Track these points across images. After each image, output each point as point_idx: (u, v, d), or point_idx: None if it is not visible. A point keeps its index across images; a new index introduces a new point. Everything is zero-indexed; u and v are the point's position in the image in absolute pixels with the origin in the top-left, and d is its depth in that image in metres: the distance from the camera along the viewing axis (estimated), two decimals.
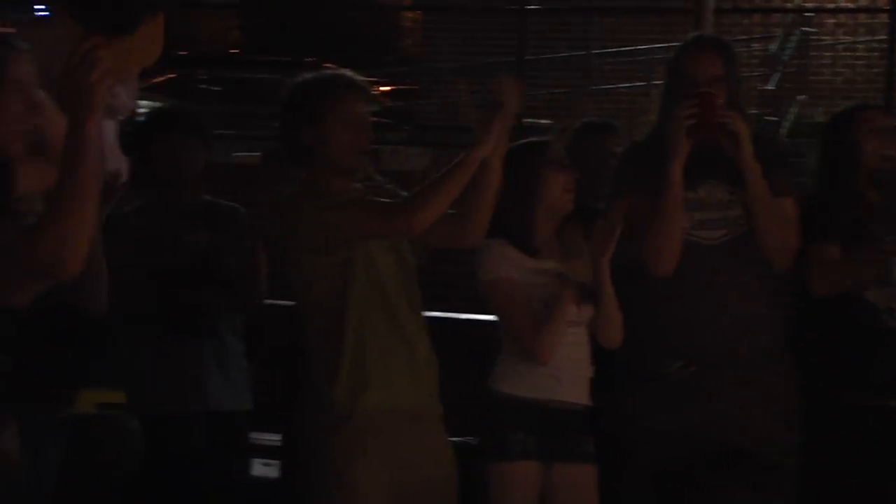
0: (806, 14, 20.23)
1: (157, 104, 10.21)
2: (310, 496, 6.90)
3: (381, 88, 21.04)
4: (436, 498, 6.92)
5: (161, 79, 22.55)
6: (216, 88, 23.36)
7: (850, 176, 7.67)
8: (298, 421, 7.08)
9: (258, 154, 13.76)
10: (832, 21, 20.90)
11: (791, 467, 7.38)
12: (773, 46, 19.13)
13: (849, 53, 20.68)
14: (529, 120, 18.05)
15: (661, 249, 7.15)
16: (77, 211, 4.75)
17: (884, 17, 19.54)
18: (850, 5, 20.84)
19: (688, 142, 7.07)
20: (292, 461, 7.34)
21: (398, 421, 6.72)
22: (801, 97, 17.78)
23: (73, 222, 4.75)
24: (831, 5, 20.96)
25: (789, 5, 20.89)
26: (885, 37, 19.60)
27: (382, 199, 6.75)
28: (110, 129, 8.89)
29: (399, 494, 6.74)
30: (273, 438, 8.14)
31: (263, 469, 8.20)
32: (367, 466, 6.69)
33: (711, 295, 7.34)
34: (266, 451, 8.21)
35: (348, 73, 6.92)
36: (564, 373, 7.23)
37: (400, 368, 6.76)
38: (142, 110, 9.41)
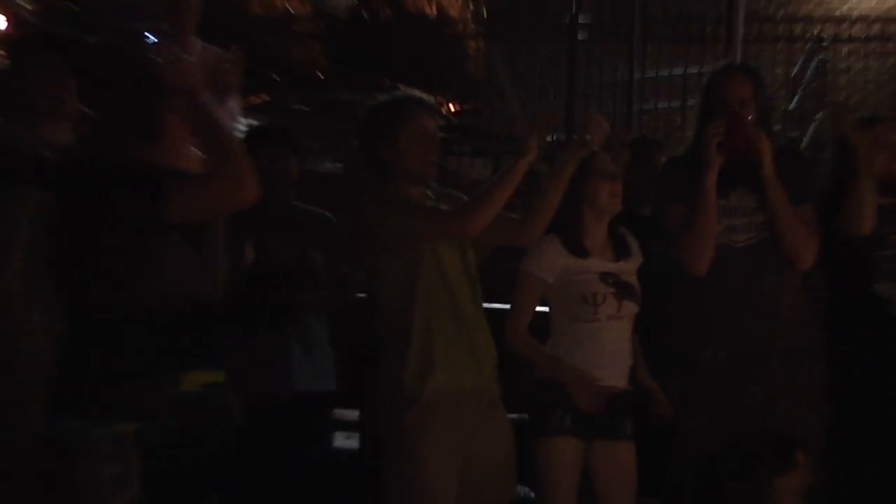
0: (823, 43, 20.21)
1: (254, 122, 10.26)
2: (385, 468, 6.86)
3: (450, 107, 21.06)
4: (497, 470, 6.95)
5: (258, 100, 22.60)
6: (306, 108, 23.41)
7: (844, 169, 7.64)
8: (374, 401, 7.11)
9: (341, 165, 13.82)
10: (846, 49, 20.82)
11: (819, 451, 7.22)
12: (795, 71, 19.08)
13: (860, 77, 20.58)
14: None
15: (696, 250, 7.13)
16: None
17: (891, 46, 19.62)
18: (862, 35, 20.75)
19: (719, 156, 7.04)
20: (370, 435, 7.40)
21: (461, 401, 6.79)
22: (819, 115, 17.74)
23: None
24: (845, 36, 20.88)
25: (808, 35, 20.78)
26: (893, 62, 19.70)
27: (444, 206, 6.93)
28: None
29: (464, 468, 6.76)
30: (354, 414, 8.18)
31: (345, 441, 8.26)
32: (434, 441, 6.71)
33: (740, 292, 7.26)
34: (348, 426, 8.25)
35: (418, 93, 6.99)
36: (605, 359, 7.28)
37: (461, 355, 6.83)
38: (241, 127, 9.45)
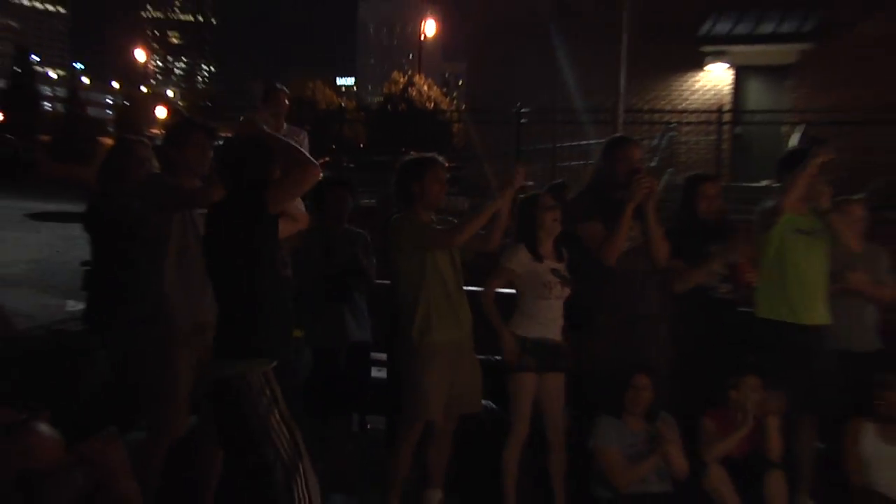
0: (671, 126, 20.22)
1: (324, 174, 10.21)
2: (402, 392, 7.02)
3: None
4: (471, 390, 7.20)
5: (323, 161, 22.92)
6: (352, 165, 23.70)
7: (692, 219, 7.78)
8: (395, 349, 7.36)
9: (375, 200, 13.73)
10: (686, 129, 20.78)
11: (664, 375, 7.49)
12: (654, 141, 19.08)
13: (694, 147, 20.53)
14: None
15: (614, 251, 7.30)
16: None
17: (712, 128, 19.71)
18: (694, 121, 20.75)
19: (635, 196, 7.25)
20: (393, 371, 7.50)
21: (448, 348, 7.00)
22: (670, 170, 17.73)
23: None
24: (685, 121, 20.88)
25: (662, 121, 20.81)
26: (714, 136, 19.67)
27: (441, 227, 7.09)
28: None
29: (449, 389, 6.98)
30: (383, 356, 8.21)
31: (378, 373, 8.34)
32: (431, 375, 6.91)
33: (630, 275, 7.43)
34: (380, 364, 8.35)
35: (435, 154, 7.15)
36: (552, 322, 7.39)
37: (448, 320, 7.03)
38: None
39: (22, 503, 6.08)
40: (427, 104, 35.03)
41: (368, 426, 8.84)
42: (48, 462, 6.38)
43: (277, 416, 5.41)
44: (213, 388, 5.45)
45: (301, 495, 5.31)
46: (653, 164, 17.95)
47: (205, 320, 6.16)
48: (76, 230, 8.23)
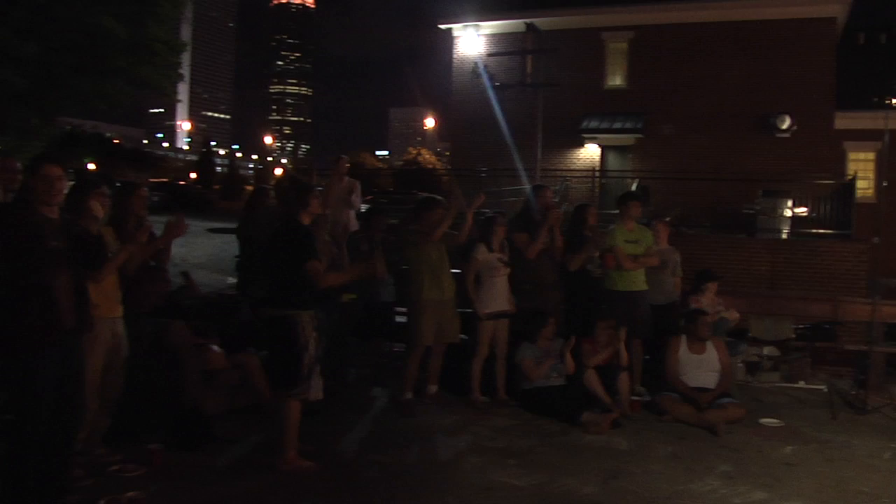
0: (566, 178, 19.99)
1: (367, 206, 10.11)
2: (408, 329, 6.95)
3: None
4: (452, 326, 6.99)
5: (368, 198, 22.42)
6: (384, 200, 23.06)
7: (579, 229, 7.72)
8: (406, 303, 7.15)
9: (398, 220, 13.58)
10: (574, 179, 20.55)
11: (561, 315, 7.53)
12: (557, 186, 18.89)
13: (578, 190, 20.32)
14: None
15: (534, 250, 7.25)
16: None
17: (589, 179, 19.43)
18: (579, 175, 20.54)
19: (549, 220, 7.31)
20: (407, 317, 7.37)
21: (437, 303, 6.82)
22: (565, 203, 17.51)
23: None
24: (573, 175, 20.62)
25: (563, 178, 20.58)
26: (589, 184, 19.47)
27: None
28: (351, 215, 8.79)
29: (437, 329, 6.86)
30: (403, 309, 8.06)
31: (401, 319, 8.16)
32: (426, 321, 6.82)
33: (540, 262, 7.41)
34: (401, 313, 8.17)
35: (440, 197, 7.07)
36: (501, 293, 7.16)
37: (437, 287, 6.83)
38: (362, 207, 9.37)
39: (203, 389, 6.06)
40: (428, 166, 34.75)
41: (395, 348, 8.66)
42: (217, 366, 6.36)
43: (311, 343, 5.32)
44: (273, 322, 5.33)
45: (308, 387, 5.27)
46: (556, 199, 17.86)
47: None
48: (232, 238, 8.22)
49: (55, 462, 4.27)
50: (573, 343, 7.10)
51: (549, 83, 17.95)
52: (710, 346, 7.19)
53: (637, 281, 7.57)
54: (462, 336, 7.28)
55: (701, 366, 7.10)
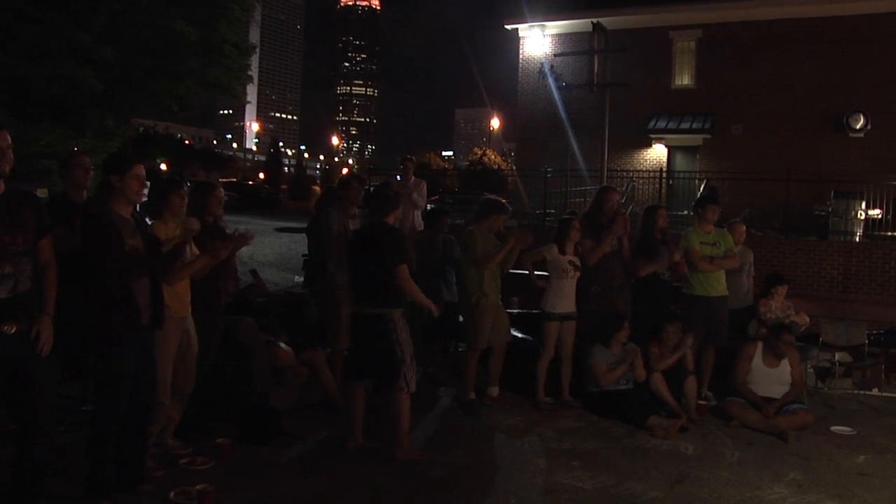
0: (632, 178, 19.73)
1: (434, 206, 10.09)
2: (468, 330, 6.94)
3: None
4: (503, 325, 7.00)
5: (435, 198, 22.38)
6: (451, 201, 23.08)
7: (651, 232, 7.51)
8: (464, 304, 7.06)
9: (462, 222, 13.56)
10: (641, 180, 20.25)
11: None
12: (623, 188, 18.63)
13: (645, 191, 20.03)
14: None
15: (596, 258, 7.13)
16: None
17: (656, 179, 19.21)
18: (646, 176, 20.26)
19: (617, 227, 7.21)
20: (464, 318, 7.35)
21: (492, 305, 6.80)
22: (631, 205, 17.30)
23: None
24: (640, 176, 20.35)
25: (628, 177, 20.31)
26: (656, 185, 19.19)
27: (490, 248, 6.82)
28: (417, 214, 8.81)
29: (492, 325, 6.82)
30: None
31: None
32: (485, 322, 6.80)
33: (606, 265, 7.22)
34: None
35: (502, 200, 7.14)
36: (568, 294, 7.09)
37: (493, 290, 6.81)
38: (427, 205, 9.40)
39: (271, 385, 6.14)
40: (493, 166, 34.66)
41: (460, 349, 8.63)
42: (285, 362, 6.44)
43: (402, 339, 5.44)
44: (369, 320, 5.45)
45: (409, 380, 5.38)
46: (622, 199, 17.68)
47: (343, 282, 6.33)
48: (301, 237, 8.32)
49: (131, 452, 4.45)
50: (638, 353, 7.01)
51: (617, 83, 17.77)
52: (785, 360, 7.04)
53: (717, 286, 7.41)
54: (525, 336, 7.25)
55: (772, 379, 6.98)
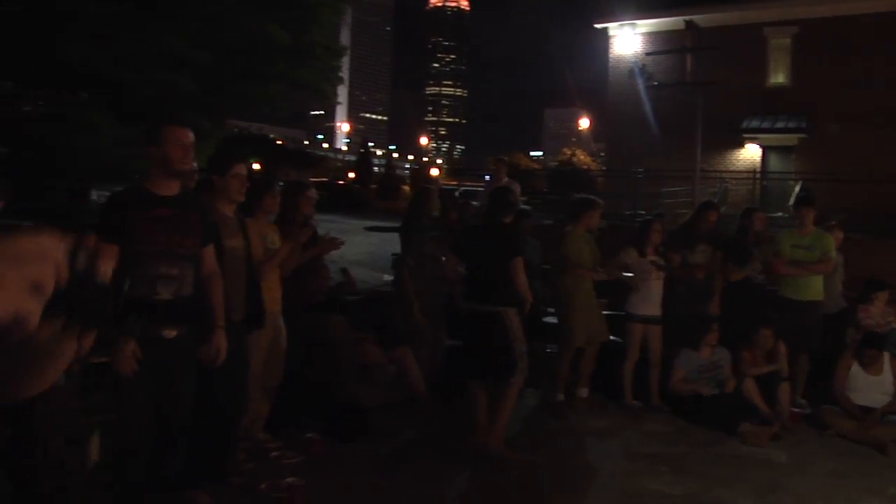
0: (725, 179, 19.31)
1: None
2: (561, 331, 6.95)
3: None
4: (601, 328, 7.00)
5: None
6: (538, 201, 22.97)
7: (745, 234, 7.35)
8: (557, 304, 7.12)
9: (552, 221, 13.42)
10: (734, 181, 19.83)
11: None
12: (715, 188, 18.26)
13: (738, 192, 19.57)
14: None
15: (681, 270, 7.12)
16: None
17: (750, 180, 18.72)
18: (739, 177, 19.81)
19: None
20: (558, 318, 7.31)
21: (586, 305, 6.86)
22: (723, 207, 16.93)
23: None
24: (733, 177, 19.90)
25: (720, 176, 19.86)
26: (749, 186, 18.74)
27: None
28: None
29: (587, 329, 6.87)
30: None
31: (549, 319, 8.03)
32: (577, 321, 6.83)
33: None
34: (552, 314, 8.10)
35: (596, 198, 7.12)
36: (653, 295, 6.96)
37: (587, 291, 6.82)
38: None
39: (360, 381, 6.23)
40: (583, 167, 34.35)
41: (548, 349, 8.56)
42: (374, 360, 6.51)
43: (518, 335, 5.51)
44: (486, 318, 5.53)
45: (522, 375, 5.49)
46: (714, 201, 17.33)
47: None
48: (391, 236, 8.42)
49: (222, 443, 4.56)
50: (728, 357, 6.88)
51: (710, 82, 17.41)
52: (887, 367, 6.74)
53: (808, 290, 7.18)
54: (615, 339, 7.17)
55: (873, 388, 6.68)
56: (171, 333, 3.70)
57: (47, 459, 3.97)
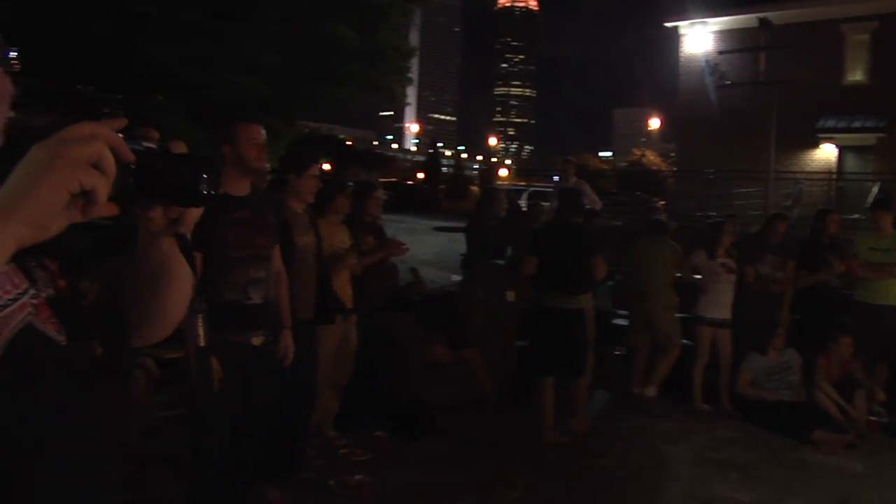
0: (799, 180, 18.87)
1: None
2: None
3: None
4: (671, 324, 6.96)
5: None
6: (607, 202, 22.84)
7: (819, 237, 7.13)
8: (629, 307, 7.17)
9: (621, 222, 13.25)
10: (809, 182, 19.39)
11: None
12: (790, 190, 17.84)
13: (813, 193, 19.11)
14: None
15: (751, 276, 6.93)
16: None
17: (825, 181, 18.28)
18: (814, 178, 19.34)
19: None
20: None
21: (659, 308, 6.87)
22: (797, 210, 16.57)
23: None
24: (808, 178, 19.43)
25: (795, 177, 19.42)
26: (825, 187, 18.27)
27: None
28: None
29: (655, 330, 6.94)
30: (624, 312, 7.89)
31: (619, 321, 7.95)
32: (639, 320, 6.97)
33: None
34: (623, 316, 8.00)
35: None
36: (722, 298, 6.79)
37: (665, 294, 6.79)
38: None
39: (428, 382, 6.27)
40: (652, 167, 33.97)
41: (617, 352, 8.44)
42: (442, 360, 6.54)
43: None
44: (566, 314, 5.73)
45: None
46: (788, 203, 16.98)
47: None
48: (459, 236, 8.43)
49: (293, 439, 4.62)
50: (800, 360, 6.71)
51: (785, 80, 17.02)
52: None
53: (886, 294, 6.84)
54: (685, 342, 7.07)
55: None
56: (258, 341, 3.58)
57: (125, 448, 4.11)
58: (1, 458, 0.96)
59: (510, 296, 6.88)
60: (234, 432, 3.57)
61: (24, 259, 1.06)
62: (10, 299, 1.01)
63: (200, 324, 3.15)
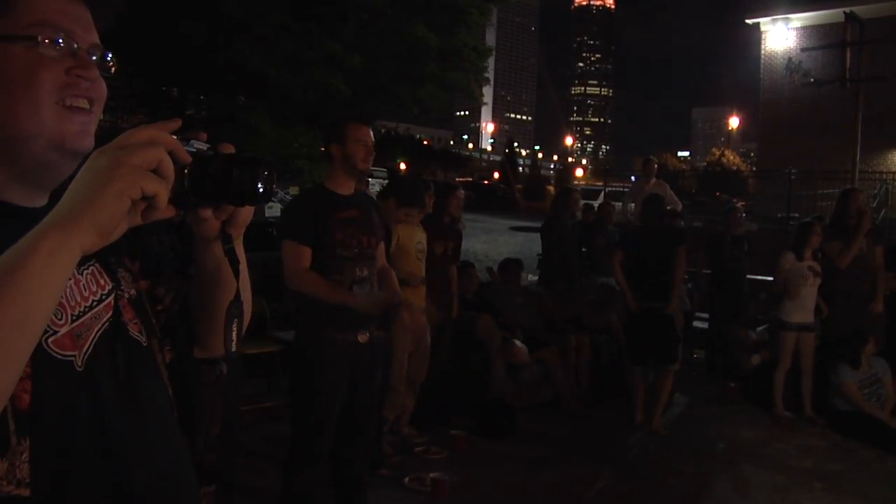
0: (886, 180, 18.26)
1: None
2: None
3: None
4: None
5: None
6: (685, 202, 22.50)
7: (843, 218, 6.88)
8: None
9: (701, 223, 12.96)
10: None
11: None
12: (875, 190, 17.33)
13: None
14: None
15: (846, 259, 6.58)
16: None
17: None
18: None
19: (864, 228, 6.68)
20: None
21: None
22: (883, 210, 16.03)
23: None
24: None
25: (882, 177, 18.75)
26: None
27: None
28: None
29: None
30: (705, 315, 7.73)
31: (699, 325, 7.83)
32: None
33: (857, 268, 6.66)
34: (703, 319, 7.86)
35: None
36: (806, 308, 6.58)
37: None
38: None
39: (507, 380, 6.25)
40: (732, 167, 33.27)
41: (695, 355, 8.27)
42: (520, 360, 6.48)
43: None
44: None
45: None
46: (874, 204, 16.39)
47: None
48: (536, 236, 8.37)
49: (369, 435, 4.61)
50: (888, 369, 6.41)
51: (874, 77, 16.40)
52: None
53: None
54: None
55: None
56: (364, 337, 3.51)
57: (208, 440, 4.13)
58: (95, 456, 0.97)
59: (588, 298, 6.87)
60: (346, 430, 3.55)
61: (108, 260, 1.09)
62: (95, 300, 1.04)
63: (235, 328, 3.03)
